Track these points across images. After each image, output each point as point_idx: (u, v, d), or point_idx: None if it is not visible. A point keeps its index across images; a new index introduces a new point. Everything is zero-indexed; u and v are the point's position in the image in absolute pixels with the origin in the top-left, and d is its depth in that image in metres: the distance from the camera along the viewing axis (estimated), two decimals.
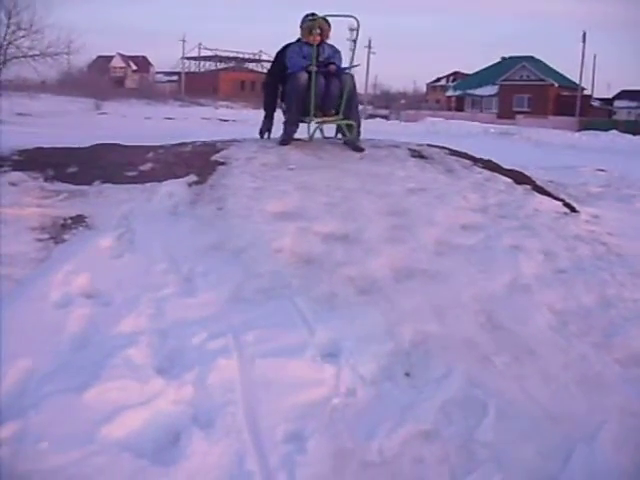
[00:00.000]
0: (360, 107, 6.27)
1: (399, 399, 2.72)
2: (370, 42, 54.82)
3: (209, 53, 77.95)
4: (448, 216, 4.47)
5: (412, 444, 2.50)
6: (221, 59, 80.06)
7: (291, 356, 2.85)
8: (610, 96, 66.03)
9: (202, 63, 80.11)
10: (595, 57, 59.54)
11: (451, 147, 6.61)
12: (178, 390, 2.60)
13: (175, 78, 74.13)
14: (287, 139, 5.87)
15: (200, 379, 2.66)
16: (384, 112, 53.22)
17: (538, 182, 5.83)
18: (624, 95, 66.06)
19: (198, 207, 4.39)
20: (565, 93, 55.29)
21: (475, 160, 6.02)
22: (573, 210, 5.18)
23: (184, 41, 70.82)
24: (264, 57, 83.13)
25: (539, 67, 57.01)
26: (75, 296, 3.32)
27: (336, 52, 6.02)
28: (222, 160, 5.20)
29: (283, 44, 6.30)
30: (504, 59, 61.17)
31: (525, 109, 54.03)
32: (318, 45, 5.81)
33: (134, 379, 2.59)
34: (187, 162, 5.18)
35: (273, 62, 6.36)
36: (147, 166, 5.11)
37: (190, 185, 4.73)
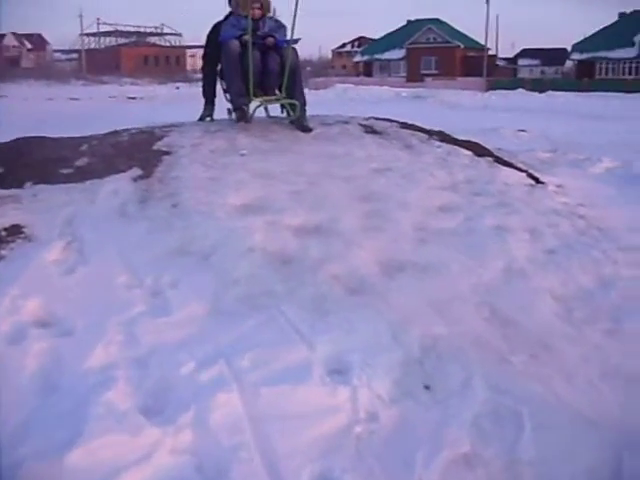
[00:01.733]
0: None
1: (426, 419, 2.42)
2: (275, 10, 53.73)
3: (109, 28, 75.31)
4: (421, 197, 4.18)
5: (454, 472, 2.21)
6: (122, 34, 77.44)
7: (297, 380, 2.49)
8: (513, 55, 67.67)
9: (102, 39, 77.25)
10: (498, 17, 60.58)
11: (392, 118, 6.33)
12: (176, 437, 2.20)
13: (75, 56, 71.34)
14: (242, 113, 5.37)
15: (200, 420, 2.27)
16: None
17: (496, 153, 5.61)
18: (525, 53, 67.93)
19: (150, 206, 3.93)
20: (471, 54, 56.08)
21: (428, 133, 5.74)
22: (538, 181, 4.99)
23: (81, 17, 68.18)
24: (166, 30, 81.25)
25: (445, 29, 57.55)
26: (29, 326, 2.85)
27: (280, 27, 5.51)
28: (166, 149, 4.72)
29: (213, 22, 5.83)
30: (410, 22, 61.38)
31: (433, 71, 54.57)
32: (258, 19, 5.35)
33: (123, 430, 2.17)
34: (127, 153, 4.67)
35: (206, 43, 5.88)
36: (83, 161, 4.57)
37: (135, 180, 4.25)
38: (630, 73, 48.84)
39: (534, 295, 3.29)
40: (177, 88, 44.63)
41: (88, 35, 73.66)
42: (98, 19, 73.60)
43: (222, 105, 5.84)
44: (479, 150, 5.40)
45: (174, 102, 27.34)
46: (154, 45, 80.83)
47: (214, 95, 5.89)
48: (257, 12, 5.35)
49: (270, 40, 5.40)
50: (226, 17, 5.72)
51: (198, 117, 5.88)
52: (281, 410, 2.35)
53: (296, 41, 5.55)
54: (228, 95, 5.68)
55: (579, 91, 37.81)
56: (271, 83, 5.50)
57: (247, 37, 5.18)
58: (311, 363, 2.61)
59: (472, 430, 2.38)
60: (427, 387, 2.60)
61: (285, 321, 2.88)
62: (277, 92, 5.53)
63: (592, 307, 3.26)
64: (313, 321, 2.89)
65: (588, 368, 2.82)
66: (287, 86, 5.45)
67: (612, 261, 3.70)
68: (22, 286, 3.11)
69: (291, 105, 5.51)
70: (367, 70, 60.57)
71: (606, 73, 49.93)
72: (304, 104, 5.54)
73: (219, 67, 5.70)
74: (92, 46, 75.26)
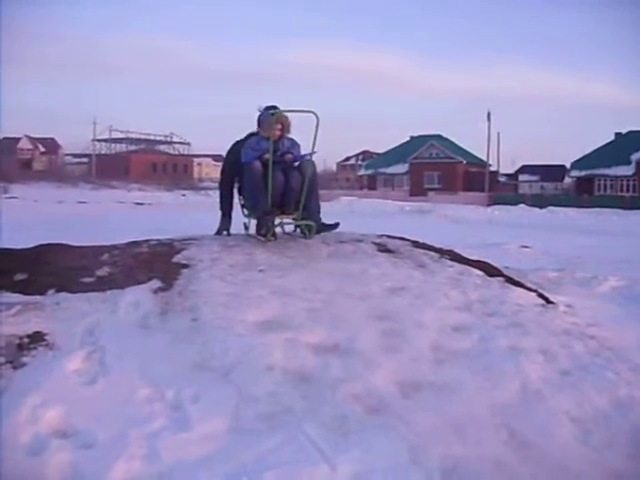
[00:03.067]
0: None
1: None
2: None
3: (120, 135, 77.55)
4: (436, 317, 4.24)
5: None
6: (132, 141, 79.71)
7: None
8: (513, 171, 69.30)
9: (113, 145, 79.47)
10: (499, 135, 62.48)
11: (408, 238, 6.47)
12: None
13: (85, 160, 73.12)
14: (268, 231, 5.52)
15: None
16: None
17: (506, 272, 5.72)
18: (525, 170, 69.61)
19: (170, 318, 4.00)
20: (473, 169, 57.53)
21: (439, 252, 5.87)
22: (548, 301, 5.06)
23: (95, 123, 70.36)
24: (175, 139, 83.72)
25: (447, 145, 59.29)
26: (49, 437, 2.88)
27: (295, 144, 5.78)
28: (185, 262, 4.84)
29: (235, 140, 6.07)
30: (413, 138, 63.28)
31: (436, 186, 55.81)
32: (277, 140, 5.59)
33: None
34: (147, 265, 4.79)
35: (225, 159, 6.11)
36: (104, 270, 4.68)
37: (156, 292, 4.34)
38: (628, 190, 50.01)
39: (551, 417, 3.31)
40: (183, 195, 45.65)
41: (100, 141, 75.98)
42: (111, 126, 76.10)
43: (237, 219, 6.02)
44: (490, 270, 5.51)
45: (180, 209, 27.97)
46: (163, 153, 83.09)
47: (231, 209, 6.06)
48: (277, 133, 5.60)
49: (289, 157, 5.63)
50: (247, 136, 5.96)
51: (215, 231, 6.02)
52: None
53: (312, 154, 5.78)
54: (245, 210, 5.88)
55: (579, 207, 38.60)
56: (290, 202, 5.68)
57: (267, 156, 5.42)
58: None
59: None
60: None
61: (306, 440, 2.91)
62: (293, 209, 5.69)
63: (610, 430, 3.28)
64: (334, 440, 2.92)
65: None
66: (305, 199, 5.64)
67: (626, 382, 3.73)
68: (43, 395, 3.15)
69: (307, 226, 5.69)
70: (371, 183, 61.98)
71: (605, 190, 51.13)
72: (318, 212, 5.72)
73: (236, 183, 5.92)
74: (103, 151, 77.42)
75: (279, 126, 5.59)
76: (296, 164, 5.69)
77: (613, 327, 4.75)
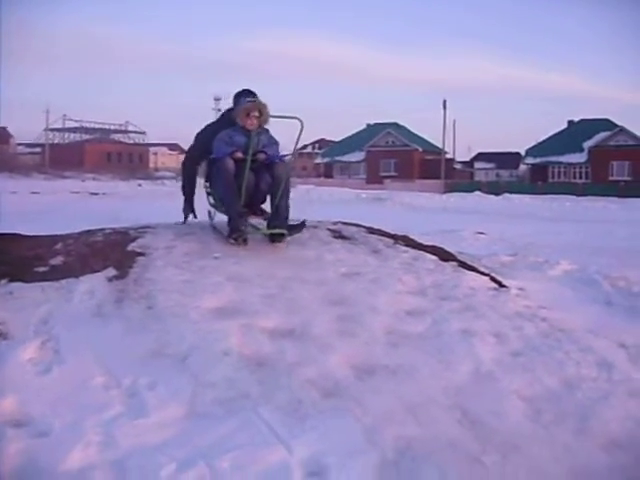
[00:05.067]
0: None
1: None
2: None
3: (74, 124, 76.27)
4: (390, 302, 4.31)
5: None
6: (86, 130, 78.46)
7: None
8: (469, 159, 70.05)
9: (67, 135, 78.11)
10: (454, 122, 62.89)
11: (363, 224, 6.53)
12: None
13: (38, 150, 71.77)
14: (241, 234, 5.16)
15: None
16: None
17: (459, 257, 5.81)
18: (481, 157, 70.42)
19: (125, 306, 3.99)
20: (429, 157, 58.03)
21: (394, 237, 5.94)
22: (501, 285, 5.17)
23: (48, 112, 69.05)
24: (131, 128, 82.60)
25: (403, 133, 59.64)
26: (4, 426, 2.86)
27: (274, 143, 5.51)
28: (140, 250, 4.82)
29: (205, 124, 5.83)
30: (369, 126, 63.48)
31: (392, 173, 56.16)
32: (253, 131, 5.23)
33: None
34: (102, 253, 4.76)
35: (194, 141, 5.85)
36: (58, 259, 4.64)
37: (111, 280, 4.32)
38: (580, 177, 51.03)
39: (503, 397, 3.39)
40: (139, 185, 45.08)
41: (53, 130, 74.65)
42: (64, 115, 74.84)
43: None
44: (443, 255, 5.60)
45: (136, 199, 27.64)
46: (118, 142, 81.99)
47: (194, 192, 5.85)
48: (254, 122, 5.31)
49: (261, 156, 5.35)
50: (218, 120, 5.79)
51: (182, 219, 5.86)
52: None
53: (286, 156, 5.66)
54: (211, 199, 5.68)
55: (533, 194, 39.25)
56: (258, 201, 5.53)
57: (240, 155, 5.20)
58: (290, 466, 2.66)
59: None
60: None
61: (262, 424, 2.94)
62: (260, 210, 5.58)
63: (559, 408, 3.37)
64: (290, 424, 2.95)
65: (558, 468, 2.91)
66: (276, 202, 5.38)
67: (575, 362, 3.84)
68: None
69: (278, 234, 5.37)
70: (328, 171, 62.09)
71: (558, 177, 52.09)
72: (287, 216, 5.44)
73: (203, 169, 5.78)
74: (56, 141, 76.06)
75: (257, 114, 5.31)
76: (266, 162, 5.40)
77: (564, 309, 4.87)
